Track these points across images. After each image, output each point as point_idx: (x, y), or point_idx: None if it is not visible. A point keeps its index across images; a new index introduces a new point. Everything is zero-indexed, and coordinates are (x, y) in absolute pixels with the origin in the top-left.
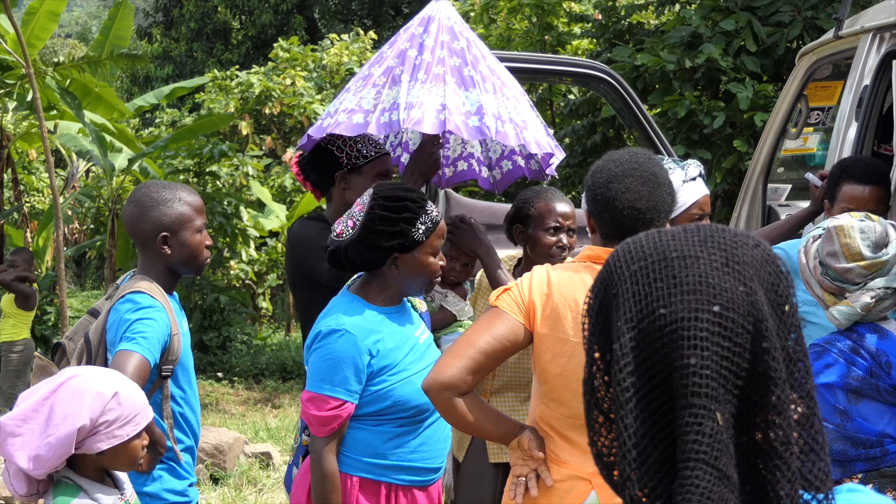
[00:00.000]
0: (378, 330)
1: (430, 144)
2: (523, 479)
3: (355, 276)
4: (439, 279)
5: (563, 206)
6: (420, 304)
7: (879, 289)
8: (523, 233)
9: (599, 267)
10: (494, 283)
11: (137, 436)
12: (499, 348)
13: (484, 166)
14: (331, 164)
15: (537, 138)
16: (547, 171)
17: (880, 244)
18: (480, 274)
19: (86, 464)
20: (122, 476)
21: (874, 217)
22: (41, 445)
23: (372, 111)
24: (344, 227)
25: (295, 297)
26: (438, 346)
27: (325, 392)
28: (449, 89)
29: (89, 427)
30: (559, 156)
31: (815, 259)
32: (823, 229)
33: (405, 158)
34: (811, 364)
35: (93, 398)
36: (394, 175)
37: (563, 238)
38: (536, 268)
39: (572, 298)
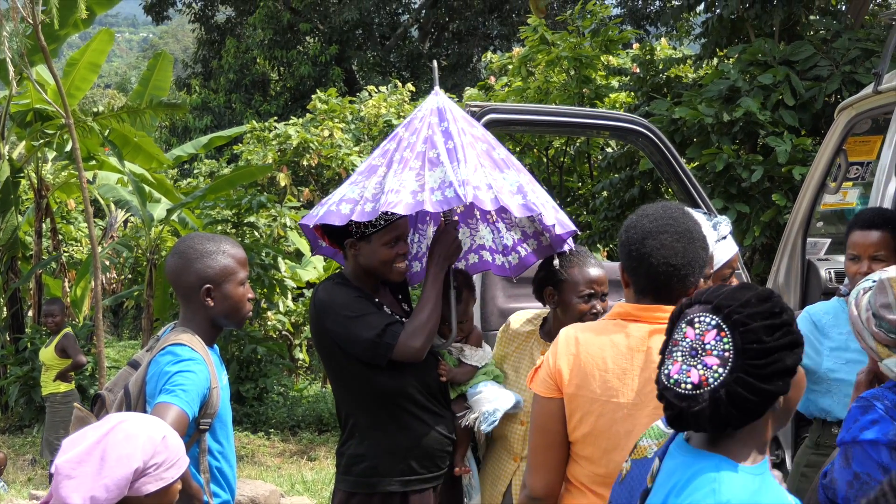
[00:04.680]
0: None
1: (452, 229)
2: None
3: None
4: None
5: (595, 272)
6: None
7: None
8: (554, 296)
9: (630, 324)
10: None
11: (176, 480)
12: (557, 434)
13: (498, 254)
14: (341, 232)
15: (560, 218)
16: (567, 248)
17: None
18: (513, 316)
19: None
20: None
21: None
22: (97, 487)
23: (420, 191)
24: (700, 369)
25: (324, 362)
26: (465, 400)
27: None
28: (488, 171)
29: (142, 469)
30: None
31: (867, 311)
32: (874, 281)
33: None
34: (857, 418)
35: (145, 441)
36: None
37: (597, 305)
38: (563, 330)
39: (600, 357)
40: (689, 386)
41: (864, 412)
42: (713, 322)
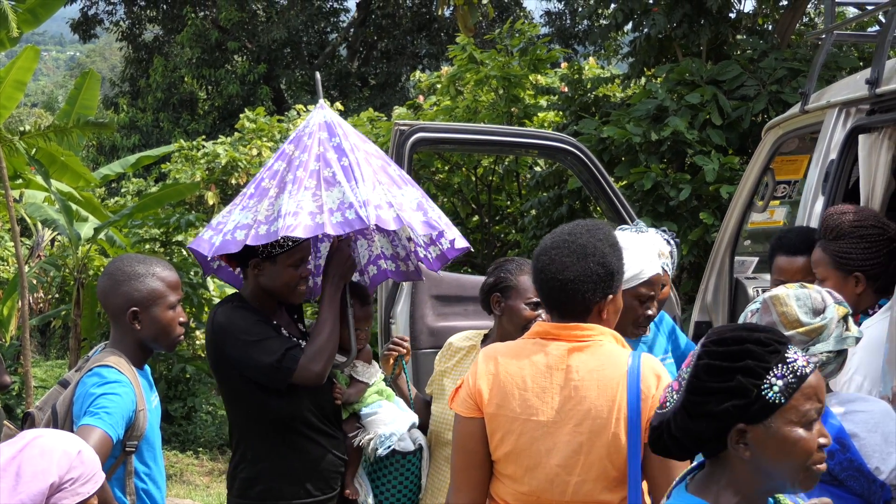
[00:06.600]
0: None
1: (346, 247)
2: None
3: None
4: (820, 466)
5: None
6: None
7: (822, 353)
8: (501, 302)
9: (549, 343)
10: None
11: (93, 495)
12: (478, 454)
13: (392, 260)
14: (246, 251)
15: (457, 233)
16: (449, 256)
17: (818, 310)
18: (454, 336)
19: None
20: None
21: (808, 285)
22: (13, 503)
23: (318, 213)
24: (669, 391)
25: (219, 385)
26: (359, 419)
27: None
28: (387, 188)
29: (57, 484)
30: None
31: None
32: (760, 302)
33: None
34: None
35: (60, 456)
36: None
37: (542, 315)
38: (482, 350)
39: (519, 377)
40: (658, 404)
41: None
42: (698, 351)
